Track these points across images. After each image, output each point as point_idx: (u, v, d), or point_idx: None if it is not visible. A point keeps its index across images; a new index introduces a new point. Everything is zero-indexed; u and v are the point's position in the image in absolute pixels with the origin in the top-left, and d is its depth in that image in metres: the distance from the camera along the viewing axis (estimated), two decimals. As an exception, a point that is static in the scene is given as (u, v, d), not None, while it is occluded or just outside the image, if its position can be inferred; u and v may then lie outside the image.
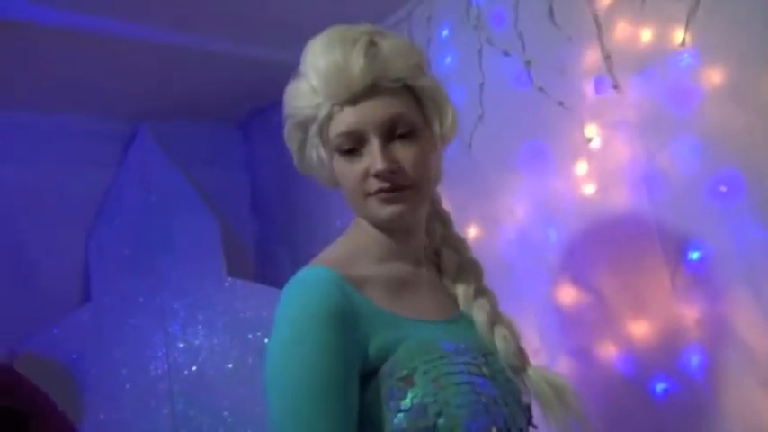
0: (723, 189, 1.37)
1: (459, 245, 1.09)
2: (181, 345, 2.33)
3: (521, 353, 0.99)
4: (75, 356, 2.30)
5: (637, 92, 1.52)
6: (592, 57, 1.60)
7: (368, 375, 0.87)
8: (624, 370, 1.53)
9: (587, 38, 1.60)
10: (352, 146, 0.93)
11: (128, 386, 2.29)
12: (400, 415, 0.84)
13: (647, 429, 1.49)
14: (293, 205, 2.65)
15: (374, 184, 0.92)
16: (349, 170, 0.94)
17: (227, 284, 2.40)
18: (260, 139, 2.88)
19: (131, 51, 2.13)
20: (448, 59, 1.96)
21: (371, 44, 0.92)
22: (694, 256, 1.42)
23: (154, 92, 2.50)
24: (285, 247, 2.71)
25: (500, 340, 0.97)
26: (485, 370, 0.92)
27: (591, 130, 1.61)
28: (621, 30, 1.54)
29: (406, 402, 0.85)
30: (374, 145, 0.91)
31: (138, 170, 2.57)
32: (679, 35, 1.42)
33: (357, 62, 0.89)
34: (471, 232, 1.90)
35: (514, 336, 0.99)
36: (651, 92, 1.49)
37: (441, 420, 0.84)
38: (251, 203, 2.95)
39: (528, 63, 1.73)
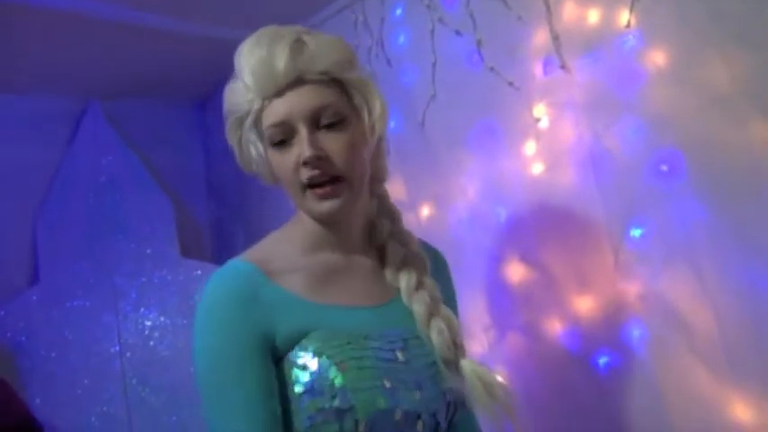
0: (664, 168, 1.41)
1: (407, 239, 1.11)
2: (132, 325, 2.31)
3: (455, 345, 1.01)
4: (23, 338, 2.26)
5: (583, 72, 1.54)
6: (541, 37, 1.62)
7: (277, 361, 0.93)
8: (569, 344, 1.57)
9: (537, 18, 1.61)
10: (283, 137, 0.97)
11: (79, 367, 2.26)
12: (303, 397, 0.91)
13: (590, 401, 1.53)
14: (248, 185, 2.63)
15: (305, 173, 0.95)
16: (282, 162, 0.98)
17: (180, 265, 2.38)
18: (215, 119, 2.83)
19: (84, 28, 2.08)
20: (401, 39, 1.96)
21: (298, 41, 0.96)
22: (636, 233, 1.45)
23: (107, 70, 2.45)
24: (240, 226, 2.70)
25: (435, 333, 1.00)
26: (399, 355, 0.98)
27: (539, 110, 1.63)
28: (570, 10, 1.56)
29: (308, 385, 0.91)
30: (302, 134, 0.95)
31: (88, 149, 2.52)
32: (624, 17, 1.45)
33: (281, 56, 0.94)
34: (424, 212, 1.91)
35: (451, 329, 1.02)
36: (597, 73, 1.51)
37: (336, 402, 0.89)
38: (206, 183, 2.92)
39: (479, 43, 1.74)
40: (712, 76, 1.32)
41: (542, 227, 1.64)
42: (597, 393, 1.52)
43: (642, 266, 1.45)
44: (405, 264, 1.08)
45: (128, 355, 2.29)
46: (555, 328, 1.60)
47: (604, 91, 1.50)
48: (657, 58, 1.41)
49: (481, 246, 1.76)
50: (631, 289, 1.46)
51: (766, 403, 1.26)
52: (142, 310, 2.33)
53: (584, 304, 1.55)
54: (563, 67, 1.57)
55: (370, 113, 1.02)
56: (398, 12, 1.97)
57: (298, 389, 0.91)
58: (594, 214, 1.52)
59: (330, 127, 0.97)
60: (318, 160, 0.94)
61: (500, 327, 1.72)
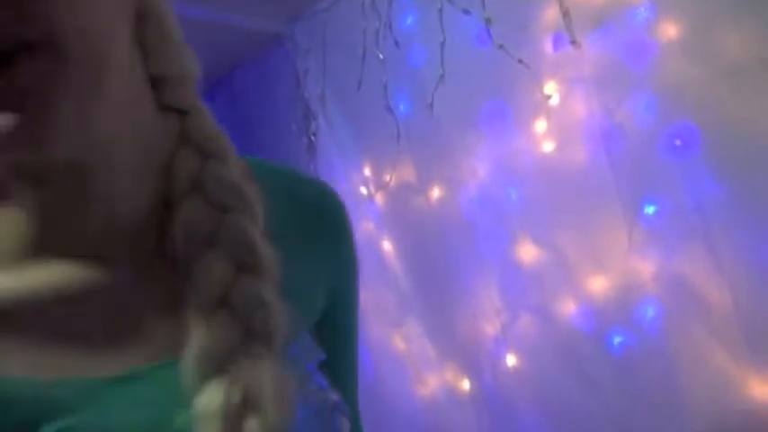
0: (678, 143, 1.38)
1: (231, 195, 0.48)
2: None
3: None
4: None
5: (594, 48, 1.51)
6: (550, 13, 1.59)
7: None
8: (583, 325, 1.55)
9: (546, -6, 1.59)
10: None
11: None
12: None
13: (605, 381, 1.51)
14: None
15: None
16: None
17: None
18: (225, 105, 2.84)
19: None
20: (409, 19, 1.93)
21: None
22: (650, 210, 1.43)
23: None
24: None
25: (204, 405, 0.42)
26: None
27: (550, 88, 1.60)
28: (580, -15, 1.53)
29: None
30: None
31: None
32: (635, -11, 1.42)
33: None
34: (435, 194, 1.89)
35: (253, 401, 0.43)
36: (608, 47, 1.48)
37: None
38: (218, 171, 2.92)
39: (488, 21, 1.71)
40: (726, 46, 1.29)
41: (554, 206, 1.61)
42: (612, 373, 1.50)
43: (656, 244, 1.42)
44: (210, 245, 0.46)
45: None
46: (569, 308, 1.58)
47: (616, 65, 1.47)
48: (669, 30, 1.38)
49: (493, 227, 1.74)
50: (645, 267, 1.44)
51: (785, 381, 1.24)
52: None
53: (598, 284, 1.52)
54: (573, 42, 1.54)
55: None
56: (406, -8, 1.94)
57: None
58: (607, 192, 1.50)
59: None
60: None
61: (513, 308, 1.70)
